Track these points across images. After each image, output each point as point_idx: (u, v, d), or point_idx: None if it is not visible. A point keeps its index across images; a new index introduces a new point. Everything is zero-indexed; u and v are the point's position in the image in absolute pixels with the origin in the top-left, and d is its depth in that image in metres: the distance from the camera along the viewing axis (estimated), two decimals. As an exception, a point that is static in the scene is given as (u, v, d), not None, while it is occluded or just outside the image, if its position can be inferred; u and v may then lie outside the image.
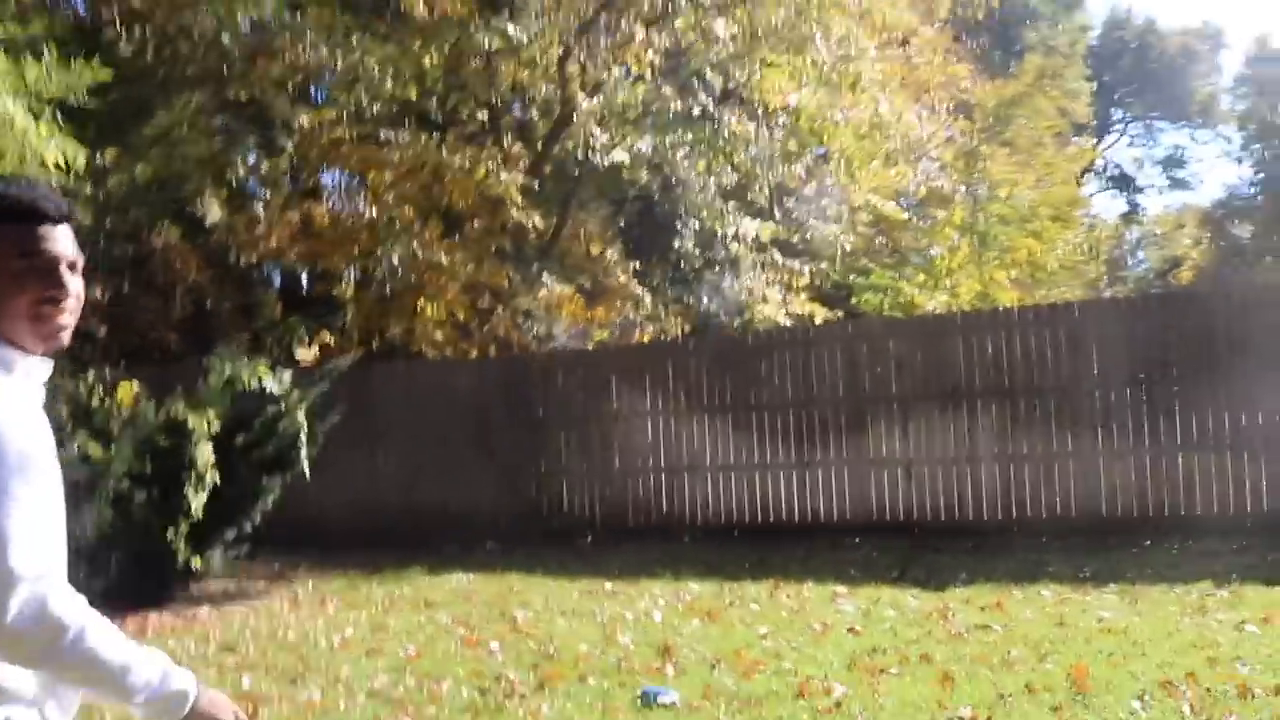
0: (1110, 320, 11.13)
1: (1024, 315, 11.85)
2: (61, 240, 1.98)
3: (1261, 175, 40.59)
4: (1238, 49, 72.22)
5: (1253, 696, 5.23)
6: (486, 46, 13.82)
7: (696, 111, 15.71)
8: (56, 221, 1.98)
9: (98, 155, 11.04)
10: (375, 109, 14.35)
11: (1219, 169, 68.83)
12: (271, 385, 9.60)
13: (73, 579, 1.94)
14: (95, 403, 9.53)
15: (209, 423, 9.18)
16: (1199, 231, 41.51)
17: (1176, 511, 10.54)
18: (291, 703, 6.04)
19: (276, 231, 13.66)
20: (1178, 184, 46.56)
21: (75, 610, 1.85)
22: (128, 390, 9.46)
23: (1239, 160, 43.62)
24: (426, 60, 13.97)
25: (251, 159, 14.70)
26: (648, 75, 15.25)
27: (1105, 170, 44.77)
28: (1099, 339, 10.97)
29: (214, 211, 13.71)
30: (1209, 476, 10.51)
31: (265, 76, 13.79)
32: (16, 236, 1.94)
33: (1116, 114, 44.75)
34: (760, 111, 16.30)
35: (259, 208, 14.58)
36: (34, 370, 1.98)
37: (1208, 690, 5.36)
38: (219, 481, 9.17)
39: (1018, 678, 5.79)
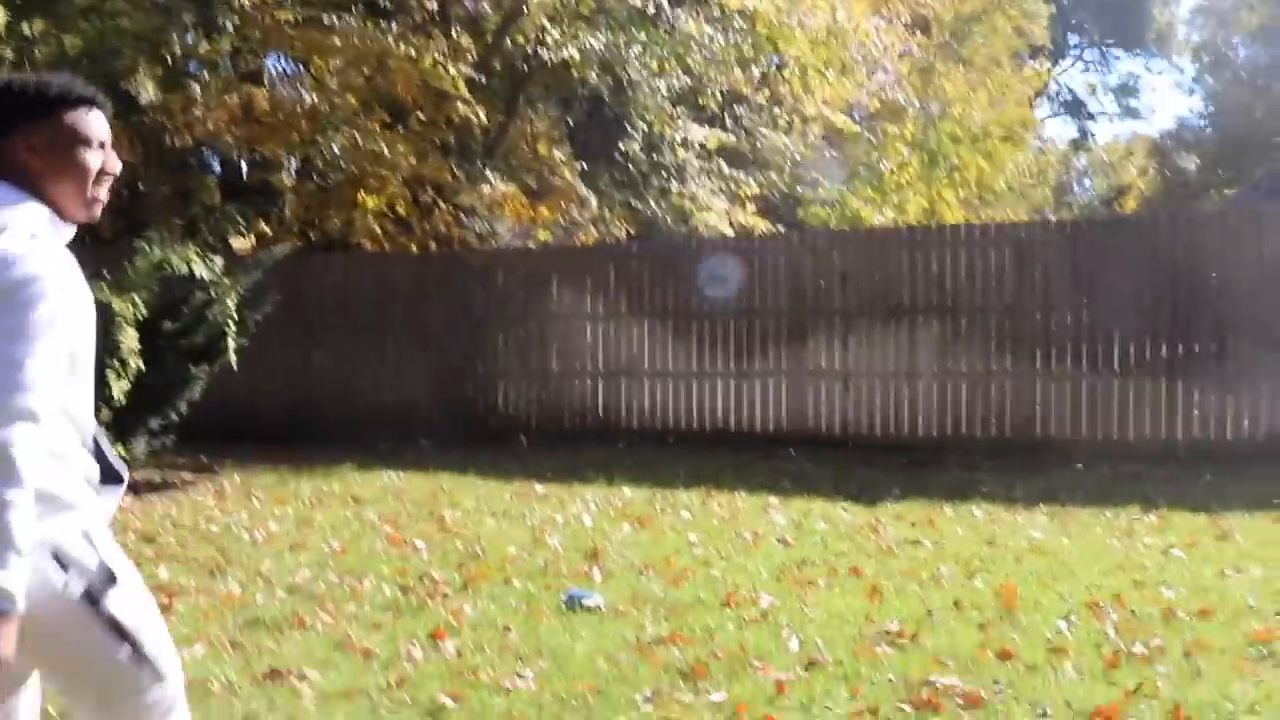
0: (1056, 243, 11.08)
1: (970, 233, 11.78)
2: (103, 122, 2.32)
3: (1212, 109, 40.77)
4: (1197, -22, 72.09)
5: (1175, 619, 5.23)
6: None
7: (651, 10, 15.36)
8: (98, 105, 2.31)
9: (25, 25, 10.58)
10: (321, -9, 13.88)
11: (1171, 100, 69.14)
12: (202, 271, 9.34)
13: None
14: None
15: (134, 307, 8.91)
16: (1147, 161, 41.74)
17: (1110, 436, 10.61)
18: (209, 595, 5.90)
19: (214, 114, 13.21)
20: (1129, 112, 46.78)
21: (16, 464, 1.95)
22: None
23: (1191, 92, 43.84)
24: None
25: (189, 37, 14.15)
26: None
27: (1058, 95, 44.74)
28: (1043, 261, 10.93)
29: (148, 90, 13.24)
30: (1143, 402, 10.56)
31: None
32: (72, 120, 2.26)
33: (1073, 39, 44.62)
34: (716, 14, 15.97)
35: (196, 89, 14.08)
36: (67, 236, 2.29)
37: (1132, 612, 5.36)
38: (143, 368, 8.92)
39: (946, 594, 5.77)
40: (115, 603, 2.16)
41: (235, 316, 9.75)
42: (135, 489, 9.60)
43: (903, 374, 11.28)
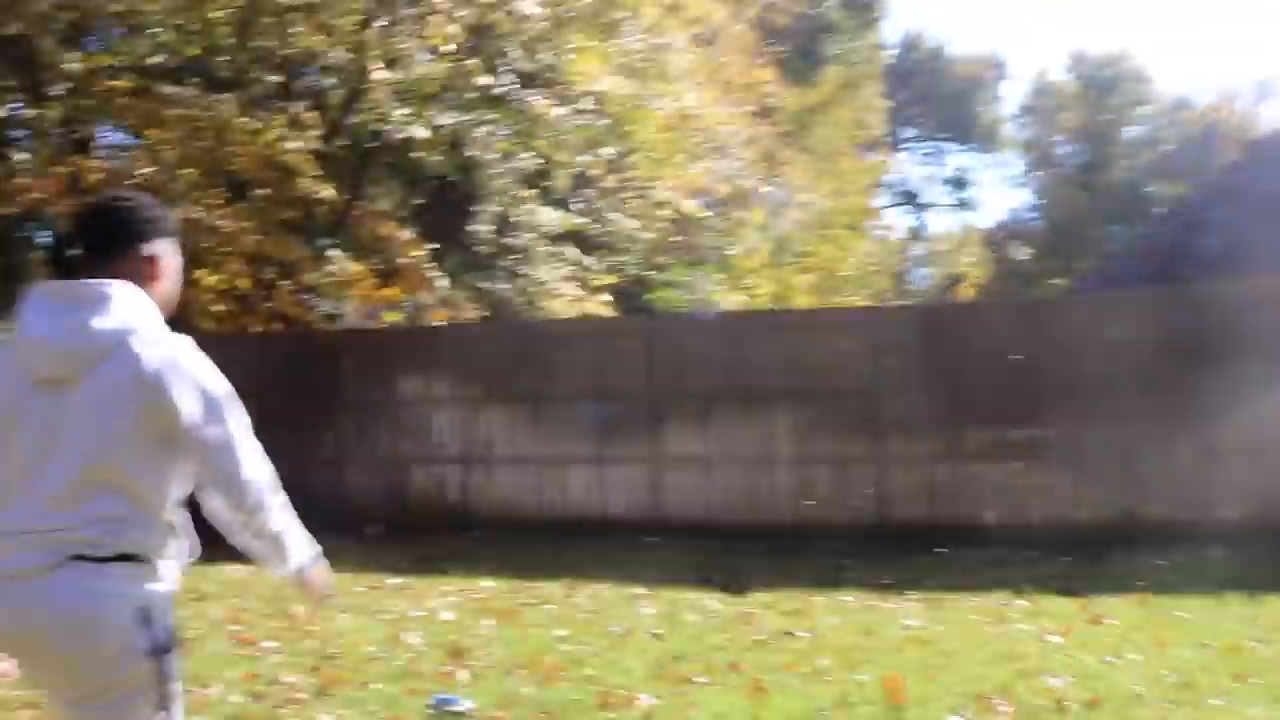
0: (910, 327, 11.11)
1: (824, 317, 11.82)
2: None
3: (1041, 202, 42.46)
4: (1021, 80, 75.70)
5: (1066, 710, 5.08)
6: (280, 2, 12.99)
7: (500, 90, 15.18)
8: None
9: None
10: (159, 60, 13.33)
11: (1000, 192, 72.07)
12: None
13: None
14: None
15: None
16: (980, 250, 43.16)
17: (968, 518, 10.59)
18: (27, 711, 5.31)
19: (40, 184, 12.49)
20: (963, 204, 48.36)
21: None
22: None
23: (1020, 185, 45.68)
24: (213, 12, 13.04)
25: (14, 103, 13.44)
26: (452, 49, 14.60)
27: (895, 186, 46.09)
28: (898, 345, 10.94)
29: (-34, 156, 12.48)
30: (1000, 485, 10.59)
31: (30, 11, 12.57)
32: (177, 247, 2.78)
33: (908, 132, 46.12)
34: (568, 95, 15.88)
35: (22, 157, 13.34)
36: None
37: (1024, 704, 5.19)
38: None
39: (831, 689, 5.53)
40: (168, 665, 2.50)
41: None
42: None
43: (762, 458, 11.12)
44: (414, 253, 15.94)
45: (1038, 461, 10.49)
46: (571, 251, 18.48)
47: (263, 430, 9.89)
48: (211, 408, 2.59)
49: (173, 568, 2.60)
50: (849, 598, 8.06)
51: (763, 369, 11.17)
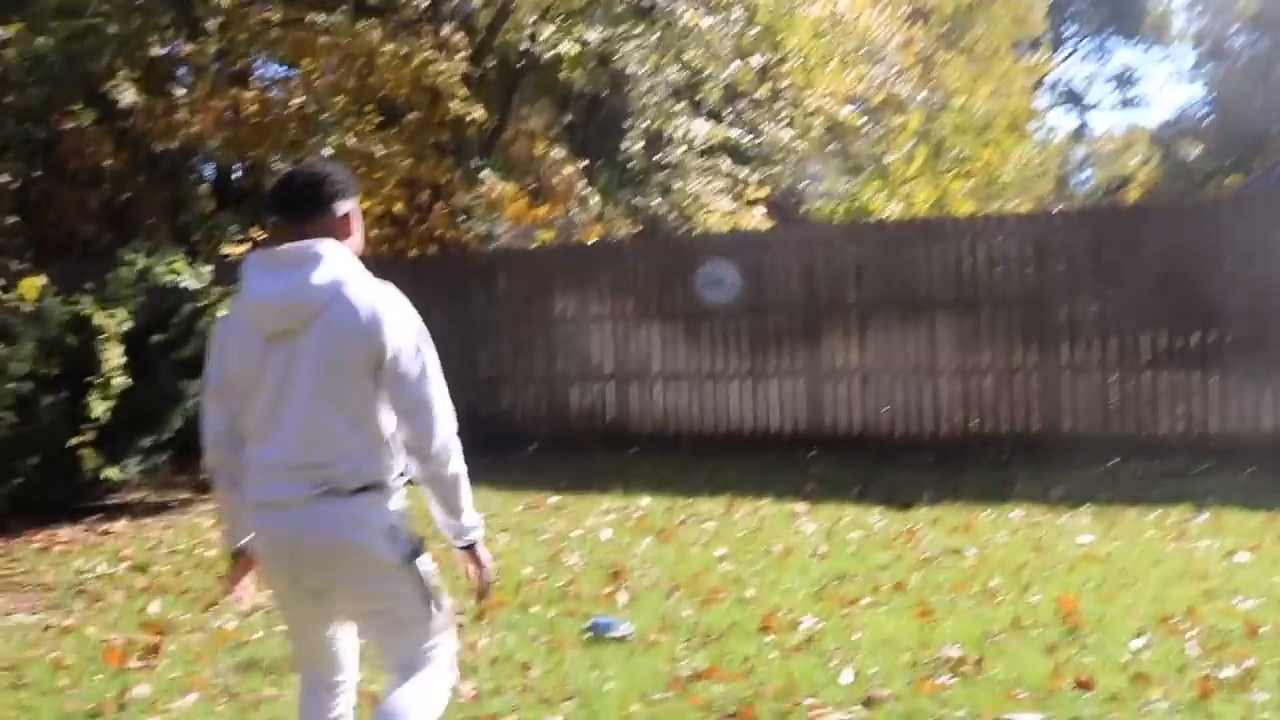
0: (1079, 233, 10.60)
1: (990, 224, 11.29)
2: None
3: (1212, 97, 40.33)
4: (1190, -35, 71.56)
5: (1260, 636, 4.78)
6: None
7: (647, 3, 14.91)
8: None
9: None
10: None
11: (1170, 89, 68.60)
12: (188, 281, 8.86)
13: None
14: (-4, 298, 8.78)
15: (119, 320, 8.44)
16: (1147, 151, 41.29)
17: (1141, 430, 10.15)
18: (203, 632, 5.44)
19: (200, 118, 12.72)
20: (1128, 102, 46.29)
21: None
22: (32, 284, 8.68)
23: (1191, 80, 43.40)
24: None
25: (172, 39, 13.68)
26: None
27: (1057, 86, 44.28)
28: (1065, 251, 10.46)
29: (129, 94, 12.74)
30: (1174, 395, 10.10)
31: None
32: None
33: (1070, 29, 44.17)
34: (717, 4, 15.51)
35: (181, 92, 13.60)
36: None
37: (1212, 628, 4.90)
38: (131, 384, 8.44)
39: (1002, 611, 5.31)
40: (423, 566, 2.93)
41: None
42: (130, 511, 9.15)
43: (923, 370, 10.82)
44: (565, 171, 15.88)
45: (1217, 369, 9.96)
46: (725, 164, 18.19)
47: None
48: (411, 346, 2.88)
49: (401, 485, 2.97)
50: (1017, 513, 7.79)
51: (923, 278, 10.83)
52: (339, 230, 2.97)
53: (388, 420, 2.90)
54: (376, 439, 2.90)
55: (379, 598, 2.97)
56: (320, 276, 2.84)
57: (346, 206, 3.01)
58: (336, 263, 2.88)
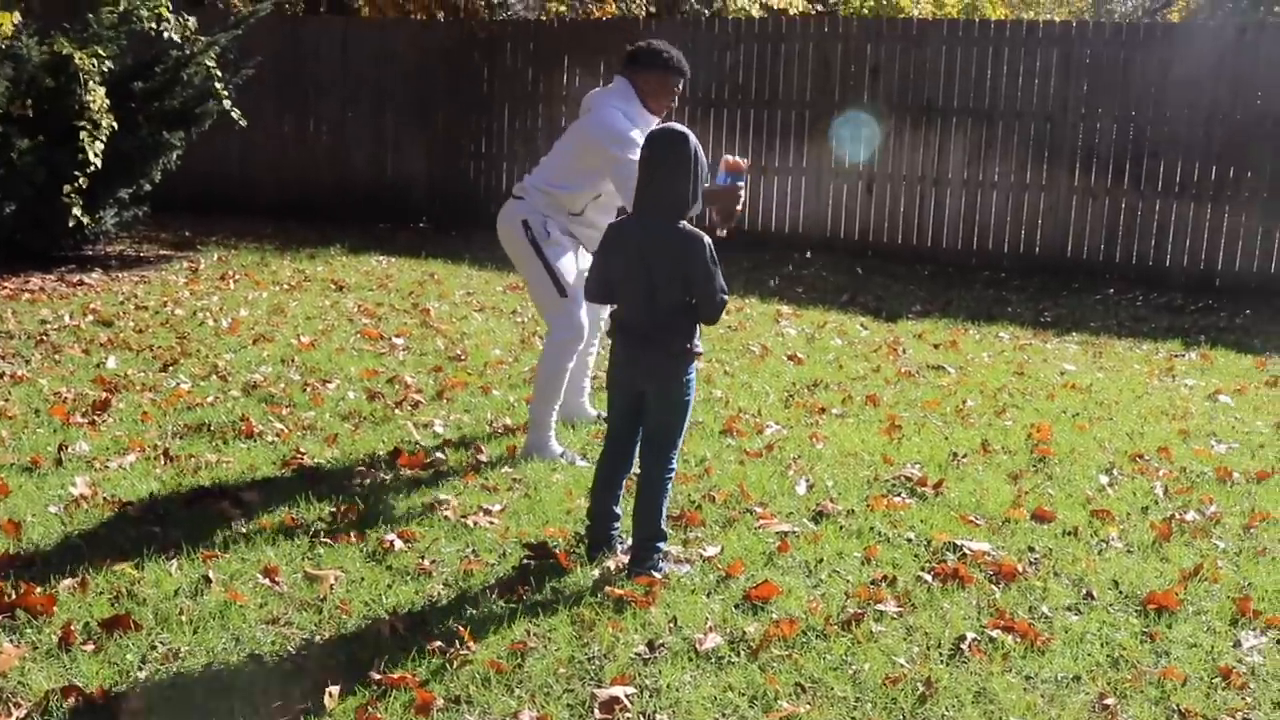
0: (1106, 48, 10.10)
1: (1015, 31, 10.74)
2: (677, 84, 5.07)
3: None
4: None
5: (1231, 482, 4.65)
6: None
7: None
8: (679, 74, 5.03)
9: None
10: None
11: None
12: (170, 30, 8.45)
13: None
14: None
15: (98, 61, 8.09)
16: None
17: (1145, 261, 9.89)
18: (154, 392, 5.32)
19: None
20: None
21: None
22: (6, 18, 8.27)
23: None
24: None
25: None
26: None
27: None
28: (1091, 67, 10.00)
29: None
30: (1184, 228, 9.81)
31: None
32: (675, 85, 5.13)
33: None
34: None
35: None
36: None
37: (1183, 470, 4.78)
38: (115, 129, 8.14)
39: (972, 433, 5.19)
40: (547, 249, 4.56)
41: (220, 76, 8.94)
42: (105, 263, 8.98)
43: (929, 179, 10.50)
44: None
45: (1231, 205, 9.65)
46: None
47: (423, 122, 9.76)
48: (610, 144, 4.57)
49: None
50: (1005, 334, 7.63)
51: (942, 84, 10.40)
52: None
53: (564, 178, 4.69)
54: (546, 180, 4.70)
55: (522, 272, 4.80)
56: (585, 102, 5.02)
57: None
58: (594, 97, 5.07)
